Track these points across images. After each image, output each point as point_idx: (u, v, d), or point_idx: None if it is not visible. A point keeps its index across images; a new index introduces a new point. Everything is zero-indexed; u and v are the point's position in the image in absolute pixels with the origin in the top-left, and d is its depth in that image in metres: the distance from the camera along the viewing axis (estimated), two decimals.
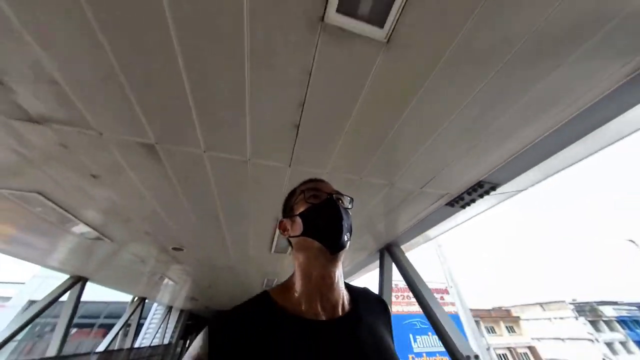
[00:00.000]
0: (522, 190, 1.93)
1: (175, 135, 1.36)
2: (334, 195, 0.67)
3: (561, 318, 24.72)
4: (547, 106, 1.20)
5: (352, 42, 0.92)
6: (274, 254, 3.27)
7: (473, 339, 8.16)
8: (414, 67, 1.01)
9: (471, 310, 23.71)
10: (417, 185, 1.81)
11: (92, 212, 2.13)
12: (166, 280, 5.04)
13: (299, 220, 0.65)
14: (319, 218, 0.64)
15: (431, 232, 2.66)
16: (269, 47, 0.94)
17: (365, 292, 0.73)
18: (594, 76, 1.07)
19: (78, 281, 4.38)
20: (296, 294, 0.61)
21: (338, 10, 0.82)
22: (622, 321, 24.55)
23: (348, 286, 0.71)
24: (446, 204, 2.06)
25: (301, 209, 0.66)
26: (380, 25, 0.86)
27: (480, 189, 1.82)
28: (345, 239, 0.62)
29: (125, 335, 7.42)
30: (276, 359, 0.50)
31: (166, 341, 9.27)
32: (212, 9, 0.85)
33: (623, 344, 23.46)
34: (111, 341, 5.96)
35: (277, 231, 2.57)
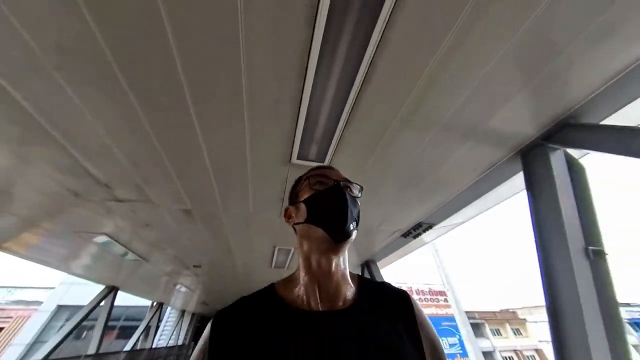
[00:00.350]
0: (460, 224, 2.60)
1: (203, 201, 2.08)
2: (341, 183, 0.64)
3: None
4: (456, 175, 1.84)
5: None
6: (274, 269, 3.98)
7: (468, 341, 8.41)
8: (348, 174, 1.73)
9: (477, 312, 23.72)
10: (375, 224, 2.49)
11: (139, 245, 2.89)
12: (183, 288, 5.80)
13: (303, 206, 0.62)
14: (323, 204, 0.61)
15: (401, 251, 3.34)
16: (262, 174, 1.68)
17: (380, 285, 0.67)
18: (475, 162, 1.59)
19: (112, 290, 5.17)
20: (297, 284, 0.61)
21: (298, 157, 1.53)
22: (636, 323, 23.57)
23: (361, 280, 0.66)
24: (401, 236, 2.74)
25: (305, 196, 0.63)
26: (323, 160, 1.57)
27: (420, 228, 2.50)
28: (351, 228, 0.59)
29: (146, 336, 8.20)
30: (268, 348, 0.50)
31: (180, 342, 10.05)
32: (227, 157, 1.56)
33: (636, 347, 22.89)
34: (135, 342, 6.73)
35: (276, 249, 3.30)
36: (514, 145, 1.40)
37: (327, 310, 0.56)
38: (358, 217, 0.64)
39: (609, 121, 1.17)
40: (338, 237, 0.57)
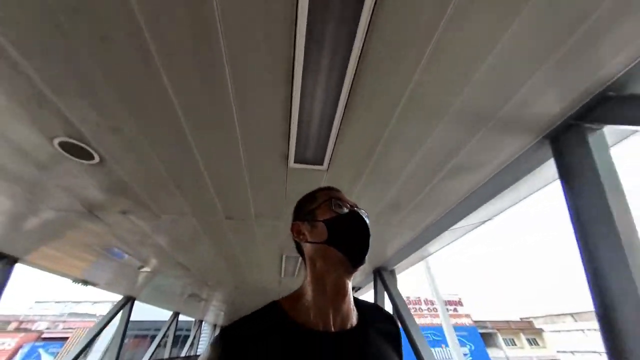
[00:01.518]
0: (477, 225, 2.34)
1: (206, 212, 1.95)
2: (361, 210, 0.64)
3: (595, 329, 22.46)
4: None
5: (308, 174, 1.51)
6: (283, 278, 3.80)
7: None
8: (347, 179, 1.58)
9: (489, 321, 22.29)
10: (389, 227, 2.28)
11: (152, 257, 2.80)
12: (203, 302, 5.69)
13: (322, 227, 0.60)
14: (348, 229, 0.60)
15: (416, 256, 3.08)
16: (264, 175, 1.55)
17: (375, 308, 0.70)
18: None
19: (129, 301, 5.11)
20: (306, 304, 0.59)
21: (295, 161, 1.38)
22: None
23: (357, 301, 0.67)
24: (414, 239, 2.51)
25: (326, 216, 0.62)
26: (321, 163, 1.41)
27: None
28: (366, 257, 0.59)
29: (164, 346, 8.08)
30: None
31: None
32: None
33: None
34: (154, 351, 6.61)
35: (283, 257, 3.11)
36: (539, 129, 1.17)
37: (338, 332, 0.57)
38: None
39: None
40: (356, 262, 0.58)
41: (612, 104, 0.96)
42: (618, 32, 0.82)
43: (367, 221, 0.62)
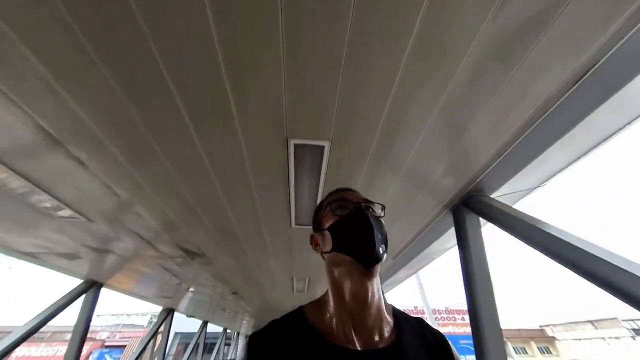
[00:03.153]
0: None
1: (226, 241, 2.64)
2: (362, 204, 0.58)
3: (617, 338, 20.85)
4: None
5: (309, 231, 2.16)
6: (295, 293, 4.41)
7: None
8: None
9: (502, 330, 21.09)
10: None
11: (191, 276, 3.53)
12: (228, 310, 6.37)
13: (328, 234, 0.57)
14: (348, 230, 0.55)
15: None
16: (276, 233, 2.21)
17: (419, 323, 0.59)
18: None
19: (170, 312, 5.87)
20: (329, 313, 0.54)
21: (296, 224, 2.04)
22: None
23: (395, 311, 0.59)
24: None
25: (329, 222, 0.58)
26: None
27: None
28: (381, 251, 0.52)
29: (196, 353, 8.74)
30: None
31: None
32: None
33: None
34: (189, 356, 7.34)
35: (294, 279, 3.74)
36: (447, 202, 1.66)
37: (366, 350, 0.49)
38: (386, 237, 0.57)
39: (500, 193, 1.52)
40: (367, 262, 0.51)
41: (474, 199, 1.44)
42: (473, 150, 1.22)
43: (369, 213, 0.56)
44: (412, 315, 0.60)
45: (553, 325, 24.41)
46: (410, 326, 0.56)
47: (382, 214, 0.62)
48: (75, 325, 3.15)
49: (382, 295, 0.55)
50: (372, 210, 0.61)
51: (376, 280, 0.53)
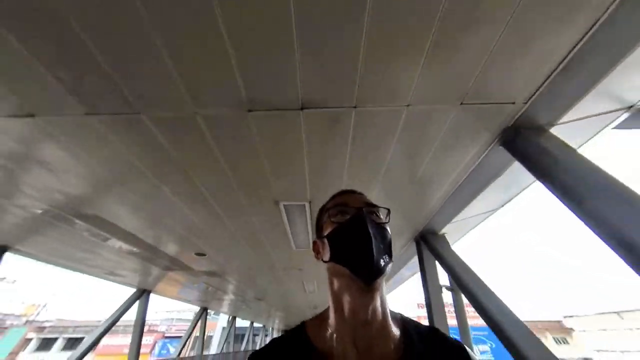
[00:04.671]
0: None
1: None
2: (363, 210, 0.50)
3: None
4: None
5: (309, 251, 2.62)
6: (308, 294, 4.89)
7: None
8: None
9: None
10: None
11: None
12: (250, 310, 7.04)
13: (326, 242, 0.50)
14: (345, 240, 0.48)
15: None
16: (282, 257, 2.67)
17: (433, 333, 0.51)
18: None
19: (204, 310, 6.61)
20: (330, 329, 0.48)
21: (296, 248, 2.49)
22: None
23: (404, 321, 0.51)
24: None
25: (328, 230, 0.51)
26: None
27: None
28: (382, 264, 0.45)
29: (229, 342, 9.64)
30: None
31: None
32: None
33: None
34: (223, 344, 8.36)
35: (304, 284, 4.22)
36: (412, 233, 2.09)
37: None
38: (389, 246, 0.49)
39: (446, 229, 1.87)
40: (367, 277, 0.44)
41: (427, 237, 1.93)
42: (422, 198, 1.81)
43: (369, 220, 0.49)
44: (424, 324, 0.54)
45: (577, 316, 23.15)
46: (421, 337, 0.49)
47: (386, 220, 0.54)
48: (134, 323, 4.08)
49: (386, 309, 0.48)
50: (376, 215, 0.53)
51: (378, 294, 0.46)
